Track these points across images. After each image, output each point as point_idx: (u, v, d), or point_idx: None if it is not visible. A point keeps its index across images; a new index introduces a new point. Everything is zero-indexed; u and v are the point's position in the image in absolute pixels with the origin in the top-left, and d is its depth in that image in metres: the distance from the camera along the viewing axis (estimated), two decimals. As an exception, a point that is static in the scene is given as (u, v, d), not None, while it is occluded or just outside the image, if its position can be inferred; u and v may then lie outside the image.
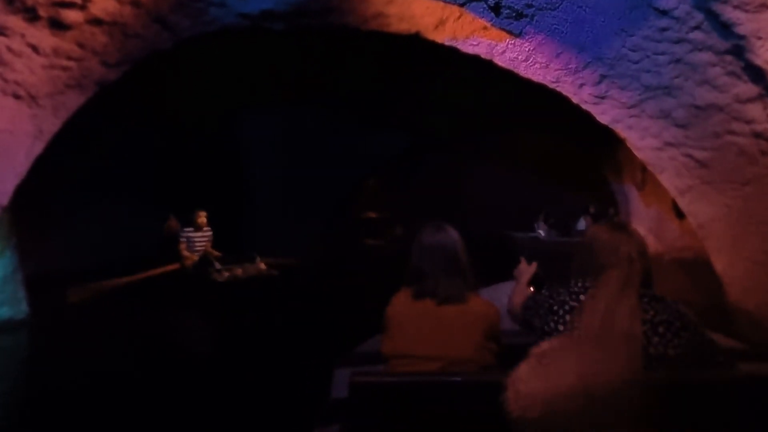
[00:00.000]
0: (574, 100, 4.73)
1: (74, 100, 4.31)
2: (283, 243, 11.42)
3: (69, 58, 4.02)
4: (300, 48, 7.41)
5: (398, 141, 11.50)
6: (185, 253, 8.46)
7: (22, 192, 8.47)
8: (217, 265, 7.95)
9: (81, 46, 3.98)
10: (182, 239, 8.52)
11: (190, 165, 15.59)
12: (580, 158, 9.80)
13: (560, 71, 4.45)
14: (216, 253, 8.60)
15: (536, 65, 4.53)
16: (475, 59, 4.72)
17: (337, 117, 10.75)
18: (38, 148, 4.44)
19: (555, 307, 1.57)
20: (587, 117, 4.81)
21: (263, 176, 11.50)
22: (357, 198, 13.66)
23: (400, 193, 15.50)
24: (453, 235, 1.97)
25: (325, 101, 10.13)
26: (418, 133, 11.35)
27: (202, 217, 8.61)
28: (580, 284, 1.58)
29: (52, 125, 4.36)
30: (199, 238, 8.63)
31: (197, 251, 8.56)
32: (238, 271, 7.97)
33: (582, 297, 1.51)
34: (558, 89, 4.73)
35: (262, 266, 8.30)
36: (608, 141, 6.56)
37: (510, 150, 12.06)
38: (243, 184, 12.56)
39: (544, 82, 4.68)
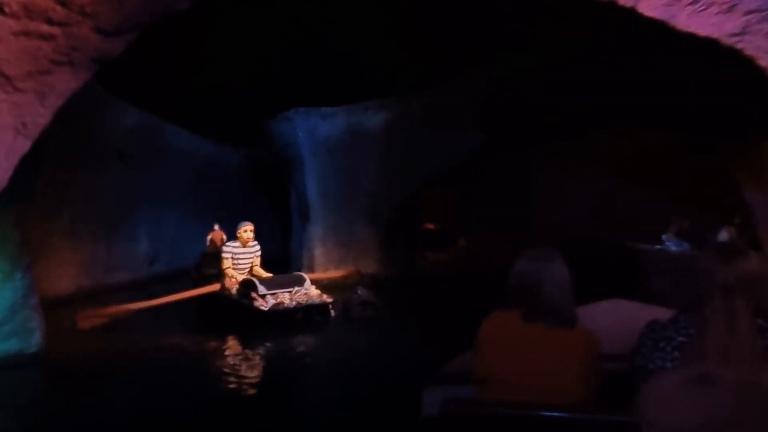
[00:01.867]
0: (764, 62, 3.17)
1: (64, 83, 3.21)
2: (337, 258, 10.14)
3: (50, 21, 2.92)
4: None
5: (463, 143, 10.04)
6: (229, 271, 7.30)
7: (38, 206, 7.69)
8: (261, 290, 6.73)
9: (64, 3, 2.86)
10: (225, 255, 7.35)
11: (236, 172, 14.79)
12: (695, 159, 8.01)
13: (753, 15, 2.90)
14: (263, 273, 7.40)
15: (711, 8, 3.00)
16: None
17: (397, 115, 9.43)
18: (23, 146, 3.38)
19: (661, 344, 1.50)
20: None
21: (316, 184, 10.29)
22: (416, 208, 12.24)
23: (464, 203, 13.92)
24: (559, 258, 1.78)
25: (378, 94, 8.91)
26: (487, 133, 9.85)
27: (248, 231, 7.40)
28: (686, 317, 1.48)
29: (38, 116, 3.28)
30: (243, 255, 7.44)
31: (242, 270, 7.41)
32: (285, 298, 6.72)
33: (691, 331, 1.42)
34: (739, 46, 3.19)
35: (314, 291, 7.03)
36: (742, 136, 4.87)
37: (599, 151, 10.33)
38: (293, 193, 11.41)
39: (719, 35, 3.15)
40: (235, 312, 6.87)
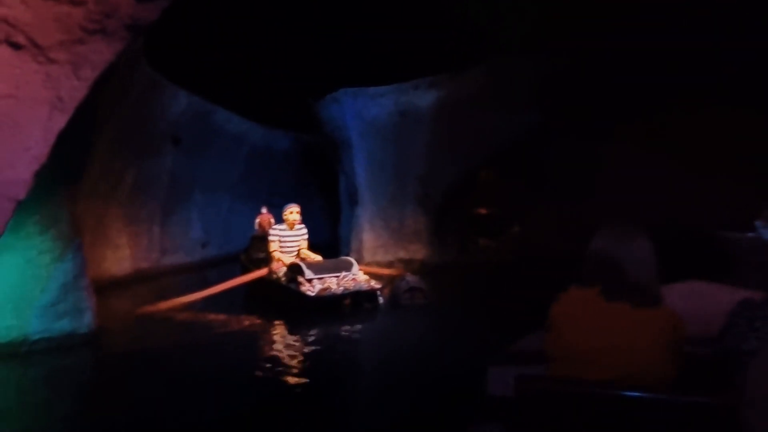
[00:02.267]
0: None
1: (98, 53, 3.05)
2: (385, 243, 9.86)
3: (78, -16, 2.75)
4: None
5: (520, 123, 9.43)
6: (276, 255, 7.15)
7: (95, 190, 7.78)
8: (308, 274, 6.53)
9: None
10: (272, 238, 7.20)
11: (286, 156, 14.76)
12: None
13: None
14: (311, 256, 7.22)
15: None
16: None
17: (449, 93, 8.94)
18: (60, 121, 3.26)
19: (757, 323, 1.48)
20: None
21: (364, 167, 10.01)
22: (469, 191, 11.74)
23: (520, 187, 13.26)
24: (643, 234, 1.70)
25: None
26: (546, 111, 9.19)
27: (294, 213, 7.21)
28: None
29: (73, 89, 3.14)
30: (290, 238, 7.25)
31: (290, 253, 7.24)
32: (332, 283, 6.49)
33: None
34: None
35: (362, 276, 6.77)
36: None
37: (672, 130, 9.44)
38: (342, 177, 11.19)
39: None
40: (282, 296, 6.72)
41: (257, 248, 8.13)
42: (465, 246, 11.21)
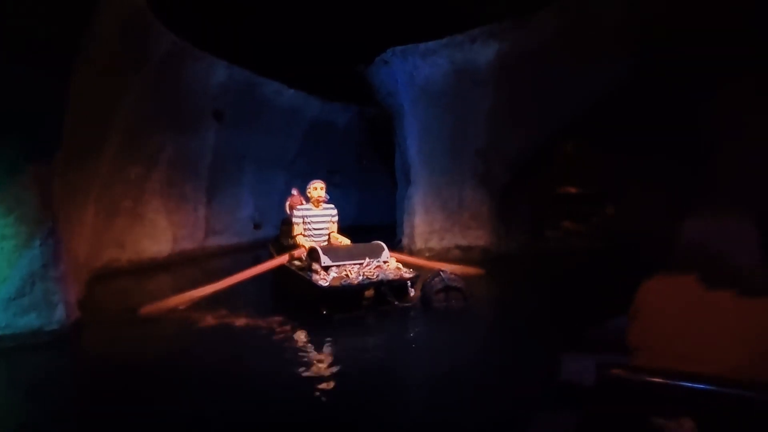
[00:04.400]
0: None
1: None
2: (440, 227, 8.54)
3: None
4: None
5: (607, 78, 7.48)
6: (300, 239, 6.21)
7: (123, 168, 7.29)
8: (325, 260, 5.51)
9: None
10: (296, 219, 6.26)
11: (347, 131, 13.80)
12: None
13: None
14: (342, 240, 6.21)
15: None
16: None
17: (514, 45, 7.28)
18: None
19: None
20: None
21: (417, 139, 8.70)
22: (546, 166, 9.97)
23: (613, 160, 11.12)
24: (746, 218, 1.62)
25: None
26: (641, 62, 7.17)
27: (319, 189, 6.18)
28: None
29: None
30: (317, 219, 6.24)
31: (318, 237, 6.27)
32: (352, 272, 5.41)
33: None
34: None
35: (393, 264, 5.63)
36: None
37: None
38: (397, 151, 9.96)
39: None
40: (298, 287, 5.77)
41: (287, 234, 7.27)
42: (541, 231, 9.53)
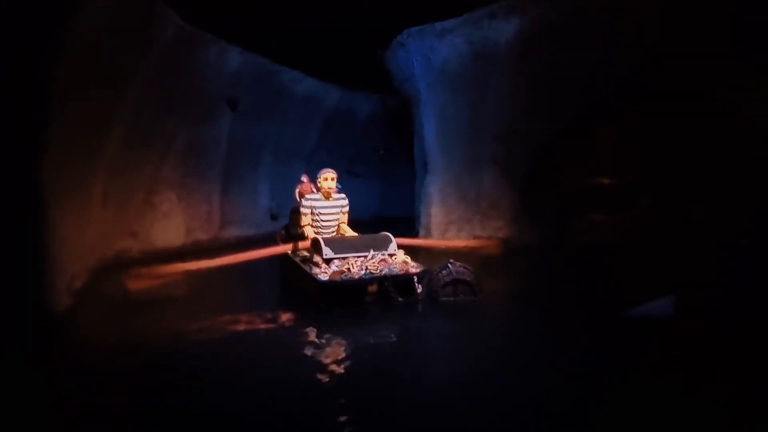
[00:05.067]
0: None
1: None
2: (458, 218, 8.12)
3: None
4: None
5: (643, 51, 6.81)
6: (308, 230, 5.94)
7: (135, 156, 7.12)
8: (326, 252, 5.22)
9: None
10: (304, 210, 5.99)
11: (370, 121, 13.45)
12: None
13: None
14: (345, 233, 5.93)
15: None
16: None
17: (537, 20, 6.74)
18: None
19: None
20: None
21: (434, 125, 8.27)
22: (575, 153, 9.34)
23: (651, 146, 10.34)
24: None
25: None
26: (680, 33, 6.50)
27: (329, 179, 5.88)
28: None
29: None
30: (326, 210, 5.96)
31: (327, 229, 6.00)
32: (354, 265, 5.10)
33: None
34: None
35: (401, 257, 5.30)
36: None
37: None
38: (416, 140, 9.54)
39: None
40: (299, 280, 5.50)
41: (297, 223, 7.02)
42: (567, 223, 8.94)
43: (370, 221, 12.67)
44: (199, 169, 8.93)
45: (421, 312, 4.79)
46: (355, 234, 5.93)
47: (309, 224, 5.95)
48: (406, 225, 9.15)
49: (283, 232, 7.43)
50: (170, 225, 8.44)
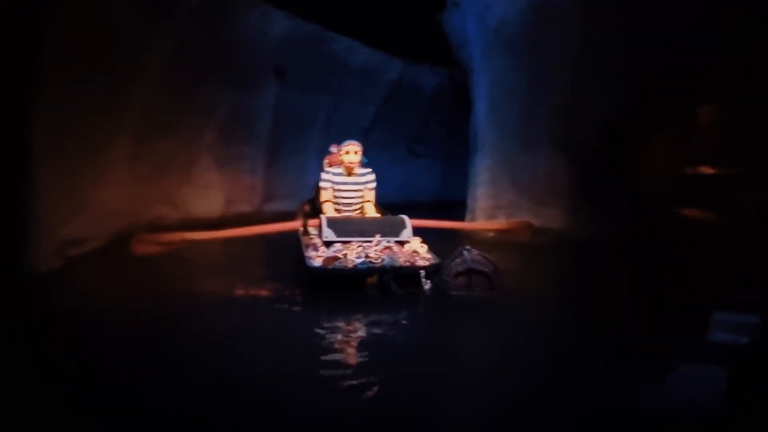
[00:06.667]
0: None
1: None
2: (508, 203, 7.14)
3: None
4: None
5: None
6: (326, 206, 5.39)
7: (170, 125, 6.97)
8: (327, 234, 4.63)
9: None
10: (323, 184, 5.44)
11: (435, 96, 12.50)
12: None
13: None
14: (367, 213, 5.31)
15: None
16: None
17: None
18: None
19: None
20: None
21: (486, 97, 7.28)
22: (667, 135, 7.91)
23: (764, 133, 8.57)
24: None
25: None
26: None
27: (351, 152, 5.26)
28: None
29: None
30: (348, 187, 5.38)
31: (349, 207, 5.43)
32: (353, 251, 4.46)
33: None
34: None
35: (414, 246, 4.58)
36: None
37: None
38: (472, 115, 8.59)
39: None
40: (298, 261, 4.96)
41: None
42: (644, 215, 7.58)
43: (429, 204, 11.90)
44: (241, 140, 8.70)
45: (421, 311, 4.04)
46: (377, 215, 5.29)
47: (329, 200, 5.37)
48: (464, 210, 8.31)
49: (306, 207, 6.95)
50: (209, 195, 8.32)
